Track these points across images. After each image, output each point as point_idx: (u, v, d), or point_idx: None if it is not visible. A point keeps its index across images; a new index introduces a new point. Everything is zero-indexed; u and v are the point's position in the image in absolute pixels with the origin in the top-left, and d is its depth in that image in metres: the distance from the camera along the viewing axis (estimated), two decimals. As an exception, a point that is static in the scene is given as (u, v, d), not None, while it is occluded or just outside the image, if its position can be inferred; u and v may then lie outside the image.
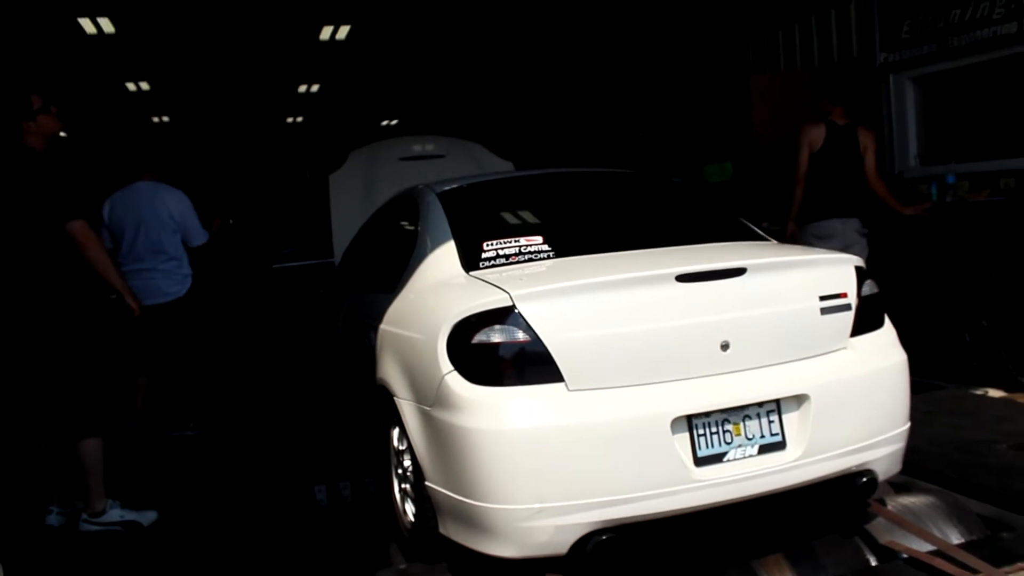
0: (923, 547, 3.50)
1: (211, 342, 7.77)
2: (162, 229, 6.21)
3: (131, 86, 16.17)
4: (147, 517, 4.65)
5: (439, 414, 3.22)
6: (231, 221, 7.05)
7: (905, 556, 3.48)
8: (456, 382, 3.16)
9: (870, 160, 6.29)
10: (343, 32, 13.11)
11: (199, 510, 4.90)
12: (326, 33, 13.16)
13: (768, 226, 7.07)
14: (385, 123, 22.21)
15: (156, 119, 20.20)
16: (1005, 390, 5.99)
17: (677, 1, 10.16)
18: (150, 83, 16.14)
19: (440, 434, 3.23)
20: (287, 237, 12.33)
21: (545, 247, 3.73)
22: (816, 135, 6.22)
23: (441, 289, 3.64)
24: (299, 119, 21.84)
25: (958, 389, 6.09)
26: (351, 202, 6.59)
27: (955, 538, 3.67)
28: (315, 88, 17.88)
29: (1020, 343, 6.02)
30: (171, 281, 6.24)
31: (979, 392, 6.05)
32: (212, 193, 12.79)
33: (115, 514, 4.57)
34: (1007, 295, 6.15)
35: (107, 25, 11.49)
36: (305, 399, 7.20)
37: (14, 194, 4.37)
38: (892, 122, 7.86)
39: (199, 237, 6.40)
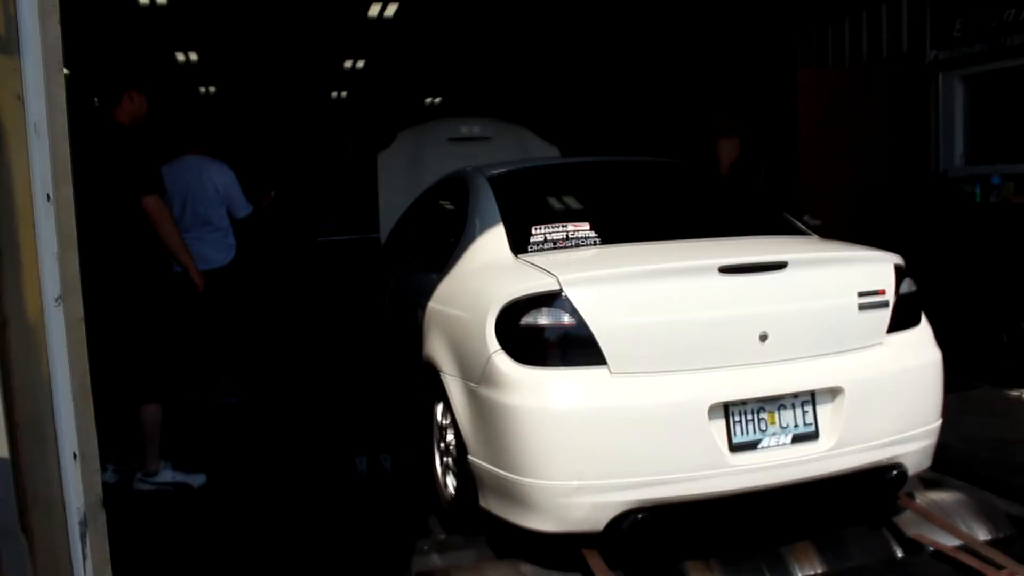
0: (950, 542, 3.58)
1: (256, 311, 7.95)
2: (208, 202, 6.39)
3: (180, 56, 16.40)
4: (197, 479, 4.83)
5: (485, 391, 3.35)
6: (272, 192, 7.22)
7: (931, 549, 3.56)
8: (503, 361, 3.28)
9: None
10: (391, 9, 13.22)
11: (243, 474, 5.07)
12: (375, 10, 13.28)
13: (809, 219, 7.12)
14: (429, 101, 22.30)
15: (203, 89, 20.45)
16: (1040, 392, 6.02)
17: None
18: (199, 54, 16.36)
19: (485, 410, 3.36)
20: (329, 211, 12.50)
21: (592, 234, 3.83)
22: (731, 148, 6.93)
23: (490, 271, 3.76)
24: (343, 94, 21.99)
25: (993, 389, 6.11)
26: (398, 180, 6.72)
27: (982, 535, 3.74)
28: (360, 64, 18.01)
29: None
30: (216, 250, 6.42)
31: (1014, 393, 6.06)
32: (259, 166, 12.95)
33: (167, 475, 4.77)
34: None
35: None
36: (348, 372, 7.36)
37: (97, 165, 4.53)
38: (939, 120, 7.84)
39: (243, 209, 6.58)
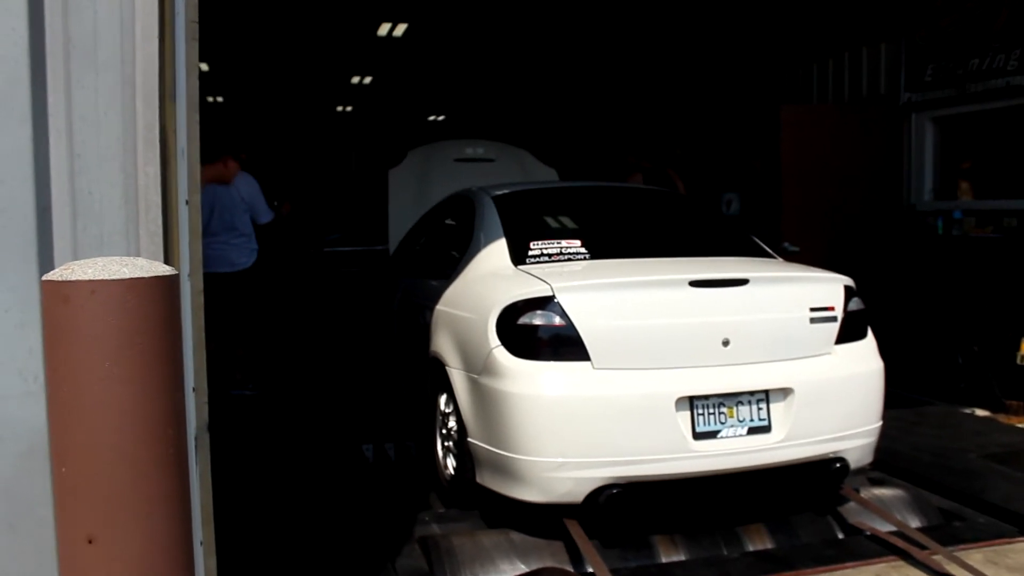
0: (885, 527, 4.12)
1: (272, 312, 8.45)
2: (234, 209, 6.93)
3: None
4: None
5: (485, 381, 3.88)
6: (288, 203, 7.77)
7: (868, 533, 4.11)
8: (502, 355, 3.82)
9: (680, 186, 8.01)
10: (400, 30, 13.81)
11: (261, 459, 5.51)
12: (384, 29, 13.87)
13: (788, 246, 7.70)
14: (432, 118, 22.88)
15: (211, 99, 20.97)
16: (990, 410, 6.55)
17: (721, 30, 10.76)
18: (209, 64, 16.88)
19: (485, 397, 3.89)
20: (334, 223, 12.98)
21: (582, 249, 4.38)
22: (636, 180, 8.01)
23: (492, 278, 4.30)
24: (348, 108, 22.57)
25: (947, 406, 6.65)
26: (407, 196, 7.26)
27: (914, 523, 4.28)
28: (368, 80, 18.59)
29: (1007, 368, 6.57)
30: (240, 253, 6.96)
31: (967, 410, 6.60)
32: (277, 177, 13.46)
33: None
34: (998, 323, 6.71)
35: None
36: (354, 369, 7.85)
37: None
38: (911, 158, 8.42)
39: (265, 215, 7.13)
